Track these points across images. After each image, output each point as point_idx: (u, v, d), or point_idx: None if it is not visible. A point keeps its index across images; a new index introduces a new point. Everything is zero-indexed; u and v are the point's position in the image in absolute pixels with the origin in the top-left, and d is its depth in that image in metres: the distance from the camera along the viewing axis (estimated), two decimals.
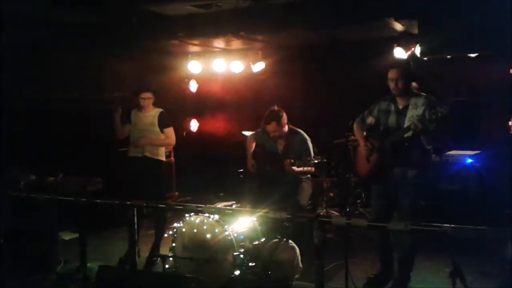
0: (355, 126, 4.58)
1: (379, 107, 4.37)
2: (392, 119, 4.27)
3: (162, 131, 5.31)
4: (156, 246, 5.29)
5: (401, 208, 4.24)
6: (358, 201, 6.69)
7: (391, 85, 4.18)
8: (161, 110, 5.35)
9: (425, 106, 4.06)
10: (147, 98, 5.24)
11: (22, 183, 5.01)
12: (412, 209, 4.16)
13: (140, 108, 5.31)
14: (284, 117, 5.18)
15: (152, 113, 5.32)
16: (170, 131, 5.36)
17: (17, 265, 4.62)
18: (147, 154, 5.26)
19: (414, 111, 4.10)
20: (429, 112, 3.93)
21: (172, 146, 7.58)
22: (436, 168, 6.01)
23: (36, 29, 5.95)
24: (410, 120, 4.07)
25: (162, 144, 5.42)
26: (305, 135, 5.27)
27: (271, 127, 5.14)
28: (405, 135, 4.09)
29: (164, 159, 5.47)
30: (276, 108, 5.19)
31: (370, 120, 4.46)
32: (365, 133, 4.45)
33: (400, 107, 4.24)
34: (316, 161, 4.97)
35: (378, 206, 4.42)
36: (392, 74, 4.18)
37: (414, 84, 4.25)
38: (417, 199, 4.24)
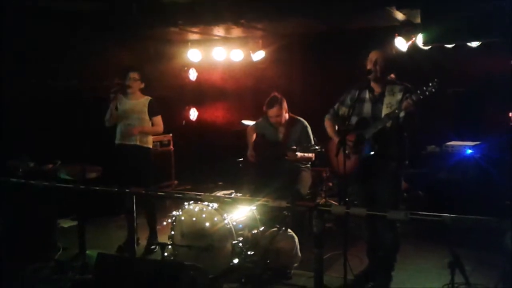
0: (326, 122, 4.40)
1: (352, 96, 4.13)
2: (367, 108, 4.06)
3: (151, 119, 5.31)
4: (152, 234, 5.30)
5: (381, 200, 4.06)
6: None
7: (371, 66, 3.97)
8: (150, 98, 5.34)
9: (403, 92, 3.89)
10: (133, 78, 5.21)
11: (20, 170, 5.00)
12: (393, 198, 4.05)
13: (126, 94, 5.28)
14: (285, 103, 5.21)
15: (141, 101, 5.31)
16: (158, 119, 5.36)
17: (16, 253, 4.63)
18: (138, 143, 5.26)
19: (391, 98, 3.91)
20: (415, 94, 3.72)
21: (171, 135, 7.60)
22: (435, 158, 6.02)
23: (35, 17, 5.92)
24: (388, 107, 3.89)
25: (153, 132, 5.43)
26: (305, 123, 5.30)
27: (274, 111, 5.16)
28: (387, 125, 3.89)
29: (151, 146, 5.47)
30: (277, 94, 5.23)
31: (343, 111, 4.24)
32: (337, 127, 4.26)
33: (376, 94, 4.04)
34: (316, 147, 4.96)
35: (360, 203, 4.24)
36: (373, 55, 4.02)
37: (392, 75, 4.08)
38: (396, 189, 4.10)
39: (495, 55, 5.89)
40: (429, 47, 6.13)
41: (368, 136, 3.99)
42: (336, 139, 4.14)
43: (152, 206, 5.37)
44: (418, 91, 3.73)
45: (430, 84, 3.70)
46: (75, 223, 5.90)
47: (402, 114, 3.86)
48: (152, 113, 5.31)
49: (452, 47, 6.01)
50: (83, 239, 4.59)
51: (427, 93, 3.69)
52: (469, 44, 6.00)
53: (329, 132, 4.40)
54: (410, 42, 6.35)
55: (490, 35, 4.72)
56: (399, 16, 5.92)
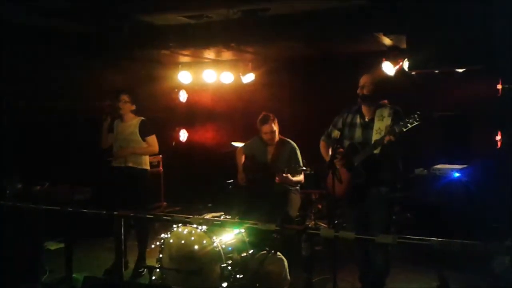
0: (321, 144, 4.49)
1: (344, 119, 4.21)
2: (358, 133, 4.15)
3: (144, 140, 5.26)
4: (141, 257, 5.25)
5: (373, 224, 4.09)
6: None
7: (359, 90, 4.09)
8: (142, 118, 5.30)
9: (392, 117, 3.97)
10: (123, 100, 5.19)
11: (8, 191, 4.95)
12: (384, 222, 4.08)
13: (122, 118, 5.28)
14: (277, 122, 5.28)
15: (133, 122, 5.28)
16: (152, 139, 5.28)
17: (2, 275, 4.57)
18: (130, 164, 5.21)
19: (381, 123, 3.99)
20: (399, 126, 3.79)
21: (160, 156, 7.59)
22: (423, 181, 6.06)
23: (25, 39, 5.94)
24: (378, 133, 3.97)
25: (144, 152, 5.32)
26: (294, 145, 5.35)
27: (267, 127, 5.23)
28: (375, 151, 3.96)
29: (148, 168, 5.41)
30: (267, 113, 5.33)
31: (335, 133, 4.30)
32: (330, 152, 4.30)
33: (366, 119, 4.13)
34: (305, 169, 5.00)
35: (351, 227, 4.24)
36: (362, 79, 4.12)
37: (385, 101, 4.15)
38: (388, 213, 4.16)
39: (481, 79, 5.98)
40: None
41: (356, 163, 4.05)
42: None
43: (146, 229, 5.34)
44: (401, 123, 3.78)
45: (412, 116, 3.76)
46: (62, 245, 5.84)
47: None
48: (144, 133, 5.24)
49: (439, 71, 6.11)
50: (70, 262, 4.54)
51: (408, 125, 3.75)
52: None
53: (323, 154, 4.47)
54: (397, 67, 6.45)
55: (475, 62, 4.81)
56: (386, 41, 6.04)
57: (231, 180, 6.22)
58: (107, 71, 6.86)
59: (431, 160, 6.31)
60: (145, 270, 4.98)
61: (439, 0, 4.94)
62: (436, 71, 5.77)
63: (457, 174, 5.86)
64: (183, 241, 4.42)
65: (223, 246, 4.35)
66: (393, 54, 6.40)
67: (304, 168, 5.07)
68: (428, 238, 2.92)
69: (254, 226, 3.67)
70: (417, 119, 3.73)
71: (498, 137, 6.37)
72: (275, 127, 5.27)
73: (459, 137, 6.64)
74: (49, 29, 6.12)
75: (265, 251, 4.46)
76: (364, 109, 4.17)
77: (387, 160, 4.01)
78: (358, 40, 6.23)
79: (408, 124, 3.74)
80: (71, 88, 6.50)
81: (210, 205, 7.28)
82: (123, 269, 4.96)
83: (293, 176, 5.08)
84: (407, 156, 4.12)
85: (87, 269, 4.93)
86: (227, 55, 7.50)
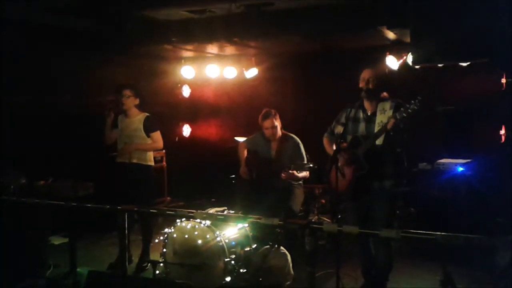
0: (324, 140, 4.48)
1: (347, 115, 4.17)
2: (361, 127, 4.14)
3: (148, 136, 5.23)
4: (144, 252, 5.26)
5: (375, 217, 4.08)
6: None
7: (362, 84, 4.08)
8: (147, 114, 5.27)
9: (393, 109, 3.94)
10: (126, 95, 5.16)
11: (12, 187, 4.96)
12: (387, 218, 4.06)
13: (126, 113, 5.27)
14: (279, 118, 5.30)
15: (137, 118, 5.25)
16: (157, 135, 5.25)
17: (7, 270, 4.59)
18: (135, 161, 5.19)
19: (383, 116, 3.98)
20: (399, 112, 3.79)
21: (164, 151, 7.60)
22: (426, 175, 6.05)
23: (29, 34, 5.94)
24: (380, 126, 3.95)
25: (149, 149, 5.30)
26: (298, 140, 5.35)
27: (268, 122, 5.25)
28: (377, 142, 3.96)
29: (153, 163, 5.39)
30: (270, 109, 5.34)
31: (338, 129, 4.29)
32: (334, 147, 4.26)
33: (369, 113, 4.12)
34: (311, 165, 5.00)
35: (352, 220, 4.21)
36: (365, 74, 4.11)
37: (385, 93, 4.15)
38: (390, 208, 4.14)
39: (486, 73, 5.97)
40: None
41: (359, 155, 4.04)
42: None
43: (150, 224, 5.35)
44: (402, 109, 3.78)
45: (413, 101, 3.75)
46: (66, 240, 5.87)
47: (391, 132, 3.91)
48: (148, 129, 5.22)
49: (443, 65, 6.08)
50: (74, 257, 4.56)
51: (409, 110, 3.74)
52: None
53: (327, 150, 4.46)
54: (401, 61, 6.43)
55: (479, 56, 4.79)
56: (390, 35, 6.01)
57: (234, 175, 6.22)
58: (109, 67, 6.86)
59: (434, 154, 6.29)
60: (149, 264, 5.01)
61: None
62: (440, 65, 5.74)
63: (460, 169, 5.85)
64: (186, 236, 4.43)
65: (227, 240, 4.37)
66: (397, 48, 6.38)
67: (311, 165, 5.06)
68: (431, 233, 2.92)
69: (258, 220, 3.67)
70: (418, 104, 3.72)
71: (502, 132, 6.36)
72: (277, 123, 5.28)
73: (463, 132, 6.62)
74: (50, 25, 6.12)
75: (268, 246, 4.47)
76: (366, 103, 4.16)
77: (389, 151, 4.01)
78: (362, 35, 6.20)
79: (409, 110, 3.73)
80: (74, 84, 6.51)
81: (213, 199, 7.31)
82: (127, 263, 4.98)
83: (298, 172, 5.08)
84: (410, 149, 4.10)
85: (91, 264, 4.94)
86: (230, 49, 7.49)
